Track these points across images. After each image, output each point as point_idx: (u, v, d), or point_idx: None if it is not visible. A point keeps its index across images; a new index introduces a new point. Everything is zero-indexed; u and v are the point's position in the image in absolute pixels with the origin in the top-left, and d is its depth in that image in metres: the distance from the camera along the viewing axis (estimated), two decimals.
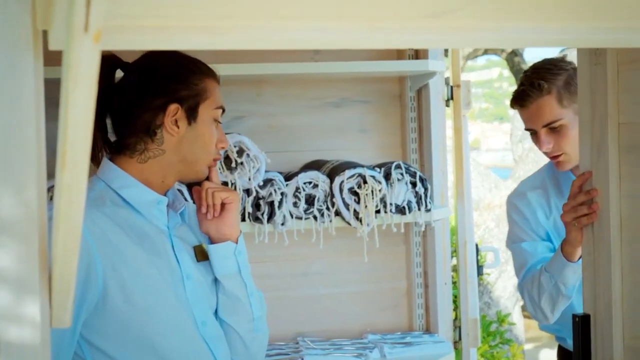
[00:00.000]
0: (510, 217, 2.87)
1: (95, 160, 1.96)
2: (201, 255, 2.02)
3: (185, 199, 2.53)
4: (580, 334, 2.36)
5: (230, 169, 2.87)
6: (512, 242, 2.83)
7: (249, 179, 2.88)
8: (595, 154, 2.30)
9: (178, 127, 1.91)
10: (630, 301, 2.25)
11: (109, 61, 1.95)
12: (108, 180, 1.91)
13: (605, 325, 2.30)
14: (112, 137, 2.00)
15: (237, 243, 2.05)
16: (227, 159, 2.87)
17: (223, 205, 2.04)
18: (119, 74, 2.01)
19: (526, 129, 2.75)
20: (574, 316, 2.36)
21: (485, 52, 14.05)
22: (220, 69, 3.12)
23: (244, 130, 3.16)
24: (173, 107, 1.91)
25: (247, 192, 2.91)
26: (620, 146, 2.25)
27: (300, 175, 2.99)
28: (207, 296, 1.99)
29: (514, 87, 2.87)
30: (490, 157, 26.68)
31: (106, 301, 1.79)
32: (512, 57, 13.60)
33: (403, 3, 1.00)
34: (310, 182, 3.00)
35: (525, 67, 13.43)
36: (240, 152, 2.88)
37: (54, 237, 1.12)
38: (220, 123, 1.99)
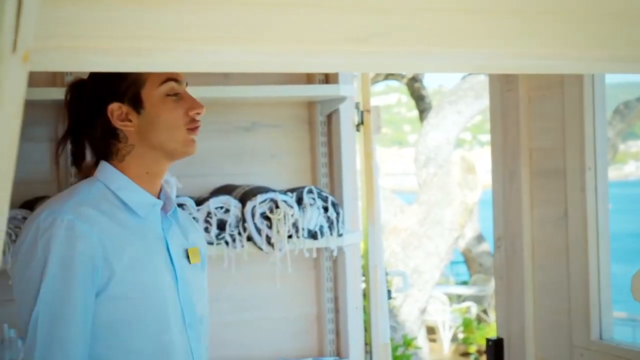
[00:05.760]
0: None
1: (80, 170, 2.02)
2: (194, 257, 2.04)
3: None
4: (494, 358, 2.39)
5: None
6: None
7: None
8: (507, 180, 2.34)
9: (130, 121, 1.92)
10: (541, 324, 2.28)
11: (77, 84, 2.00)
12: (107, 181, 1.94)
13: (518, 348, 2.33)
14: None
15: None
16: None
17: None
18: None
19: None
20: (488, 340, 2.39)
21: (386, 77, 14.16)
22: None
23: None
24: (113, 107, 1.92)
25: None
26: (531, 172, 2.29)
27: (211, 200, 2.95)
28: (198, 298, 2.03)
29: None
30: (390, 182, 27.02)
31: (101, 298, 1.85)
32: (413, 83, 13.74)
33: (325, 26, 1.00)
34: (221, 207, 2.96)
35: (425, 93, 13.65)
36: None
37: None
38: (178, 93, 1.94)
